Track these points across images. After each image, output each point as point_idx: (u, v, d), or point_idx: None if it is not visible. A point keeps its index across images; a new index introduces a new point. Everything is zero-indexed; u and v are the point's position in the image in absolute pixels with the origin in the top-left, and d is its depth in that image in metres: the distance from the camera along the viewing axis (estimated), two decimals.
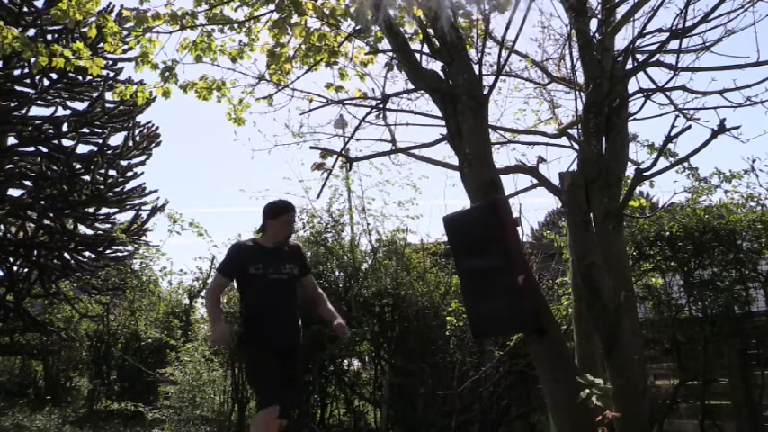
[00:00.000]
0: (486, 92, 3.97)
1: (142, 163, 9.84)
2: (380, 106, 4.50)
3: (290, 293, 3.96)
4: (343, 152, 4.74)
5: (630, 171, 4.08)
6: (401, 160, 5.12)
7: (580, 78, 4.20)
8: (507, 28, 4.01)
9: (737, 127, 3.72)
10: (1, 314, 9.06)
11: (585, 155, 3.87)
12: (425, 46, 4.19)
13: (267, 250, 3.90)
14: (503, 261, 3.49)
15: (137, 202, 9.78)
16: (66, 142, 9.21)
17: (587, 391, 2.61)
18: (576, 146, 4.32)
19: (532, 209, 31.17)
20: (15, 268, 9.19)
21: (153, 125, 9.94)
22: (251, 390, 4.26)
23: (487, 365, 5.82)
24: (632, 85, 4.14)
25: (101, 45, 7.29)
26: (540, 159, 4.17)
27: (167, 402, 7.15)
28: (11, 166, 9.30)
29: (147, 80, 10.70)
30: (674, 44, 3.92)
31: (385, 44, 4.46)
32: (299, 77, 4.68)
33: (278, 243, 3.92)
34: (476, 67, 3.95)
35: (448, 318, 5.81)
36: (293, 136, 4.94)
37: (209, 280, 10.26)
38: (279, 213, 3.92)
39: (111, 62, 9.17)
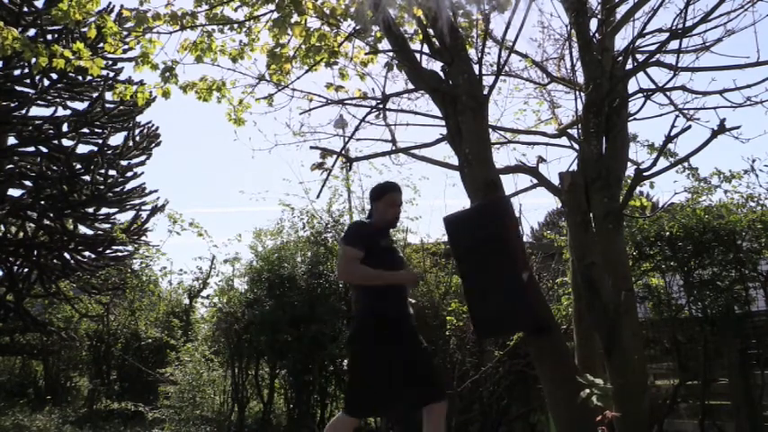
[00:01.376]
0: (486, 92, 3.98)
1: (142, 163, 9.85)
2: (380, 106, 4.50)
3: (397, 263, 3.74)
4: (343, 152, 4.74)
5: (630, 171, 4.08)
6: (401, 160, 5.13)
7: (580, 78, 4.20)
8: (507, 28, 4.02)
9: (737, 127, 3.73)
10: (1, 314, 9.07)
11: (585, 155, 3.87)
12: (425, 46, 4.19)
13: (382, 230, 3.72)
14: (504, 260, 3.48)
15: (137, 202, 9.78)
16: (66, 142, 9.21)
17: (587, 391, 2.61)
18: (576, 146, 4.32)
19: (532, 209, 31.18)
20: (15, 268, 9.19)
21: (153, 125, 9.95)
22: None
23: (487, 365, 5.81)
24: (632, 85, 4.15)
25: (101, 45, 7.29)
26: (540, 159, 4.17)
27: (167, 402, 7.16)
28: (11, 166, 9.30)
29: (147, 80, 10.72)
30: (674, 44, 3.93)
31: (385, 44, 4.46)
32: (298, 77, 4.69)
33: (388, 223, 3.74)
34: (476, 67, 3.96)
35: (448, 318, 5.81)
36: (293, 135, 4.94)
37: (209, 280, 10.29)
38: (384, 192, 3.73)
39: (111, 62, 9.17)
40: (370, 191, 3.85)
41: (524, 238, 4.70)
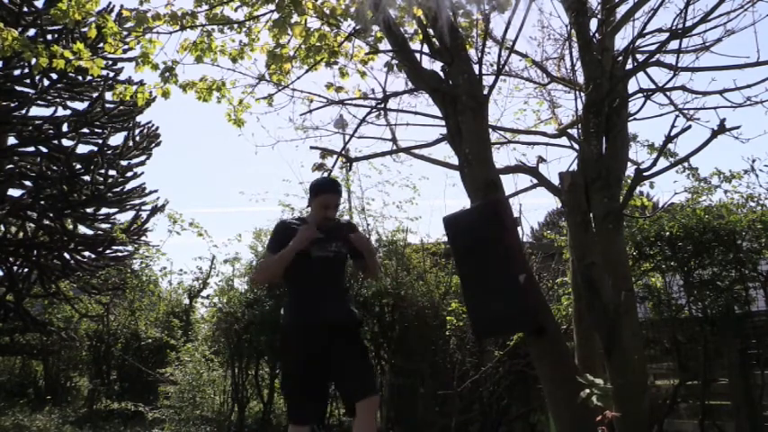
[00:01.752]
0: (486, 92, 3.97)
1: (142, 163, 9.85)
2: (381, 106, 4.50)
3: (337, 273, 3.56)
4: (343, 152, 4.74)
5: (630, 171, 4.08)
6: (401, 159, 5.13)
7: (580, 78, 4.20)
8: (507, 28, 4.02)
9: (737, 127, 3.72)
10: (1, 314, 9.06)
11: (585, 155, 3.87)
12: (425, 46, 4.19)
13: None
14: (503, 261, 3.49)
15: (137, 202, 9.78)
16: (66, 142, 9.21)
17: (587, 391, 2.61)
18: (576, 146, 4.32)
19: (532, 209, 31.13)
20: (15, 268, 9.19)
21: (153, 125, 9.95)
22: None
23: (487, 365, 5.82)
24: (632, 85, 4.14)
25: (101, 45, 7.29)
26: (540, 159, 4.17)
27: (167, 402, 7.16)
28: (11, 166, 9.30)
29: (147, 80, 10.73)
30: (674, 44, 3.92)
31: (385, 44, 4.46)
32: (299, 77, 4.69)
33: (317, 224, 3.48)
34: (476, 67, 3.95)
35: (448, 318, 5.81)
36: (295, 130, 4.94)
37: (209, 280, 10.30)
38: (315, 193, 3.54)
39: (111, 62, 9.17)
40: (310, 186, 3.62)
41: (524, 238, 4.71)
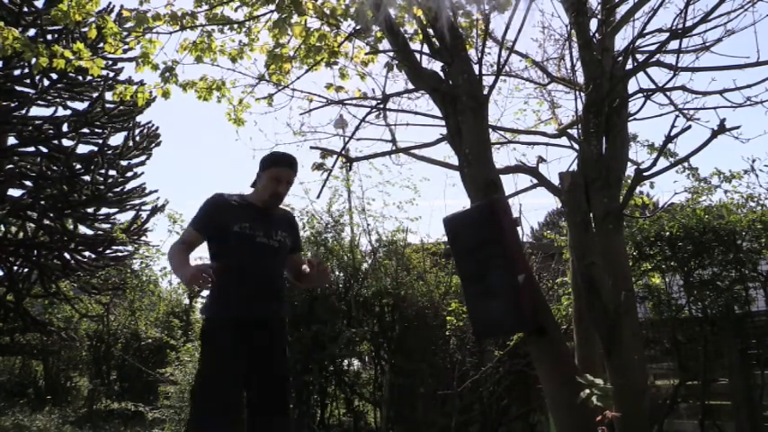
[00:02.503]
0: (486, 92, 3.97)
1: (142, 163, 9.84)
2: (380, 106, 4.50)
3: (278, 265, 3.19)
4: (343, 152, 4.74)
5: (630, 171, 4.08)
6: (402, 160, 5.13)
7: (580, 78, 4.20)
8: (507, 28, 4.01)
9: (737, 127, 3.72)
10: (1, 314, 9.06)
11: (585, 155, 3.87)
12: (425, 46, 4.19)
13: (254, 208, 3.16)
14: (503, 261, 3.49)
15: (137, 202, 9.77)
16: (66, 142, 9.20)
17: (587, 391, 2.61)
18: (576, 146, 4.32)
19: (532, 209, 31.14)
20: (15, 268, 9.19)
21: (153, 125, 9.94)
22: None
23: (487, 365, 5.82)
24: (632, 85, 4.15)
25: (101, 45, 7.29)
26: (540, 159, 4.17)
27: (167, 402, 7.15)
28: (11, 166, 9.30)
29: (148, 80, 10.73)
30: (674, 44, 3.92)
31: (385, 44, 4.46)
32: (299, 77, 4.69)
33: (264, 202, 3.16)
34: (476, 67, 3.95)
35: (448, 318, 5.81)
36: (294, 134, 4.94)
37: None
38: (268, 165, 3.15)
39: (111, 62, 9.17)
40: (261, 158, 3.23)
41: (524, 238, 4.70)
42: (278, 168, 3.15)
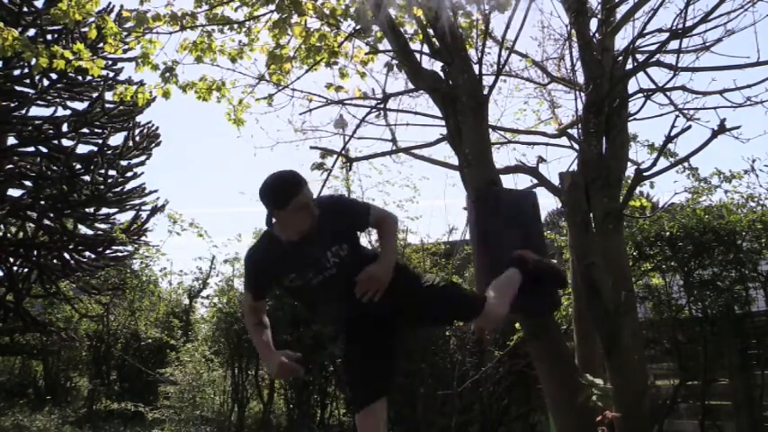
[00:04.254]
0: (486, 92, 3.97)
1: (142, 163, 9.85)
2: (381, 106, 4.50)
3: (351, 277, 2.63)
4: (343, 152, 4.74)
5: (630, 171, 4.08)
6: (402, 159, 5.13)
7: (580, 78, 4.20)
8: (507, 28, 4.01)
9: (737, 127, 3.73)
10: (1, 314, 9.06)
11: (585, 155, 3.87)
12: (425, 46, 4.19)
13: (293, 246, 2.62)
14: (540, 244, 3.51)
15: (137, 202, 9.78)
16: (66, 142, 9.21)
17: (587, 391, 2.61)
18: (576, 146, 4.32)
19: None
20: (15, 268, 9.19)
21: (153, 125, 9.95)
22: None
23: (487, 365, 5.82)
24: (632, 85, 4.15)
25: (101, 45, 7.29)
26: (540, 159, 4.17)
27: (167, 402, 7.17)
28: (11, 166, 9.30)
29: (148, 80, 10.72)
30: (674, 44, 3.92)
31: (385, 44, 4.46)
32: (299, 77, 4.69)
33: (299, 233, 2.60)
34: (476, 67, 3.95)
35: None
36: (294, 132, 4.94)
37: (209, 280, 10.30)
38: (284, 200, 2.53)
39: (111, 62, 9.17)
40: (265, 194, 2.59)
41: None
42: (296, 198, 2.55)
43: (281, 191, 2.55)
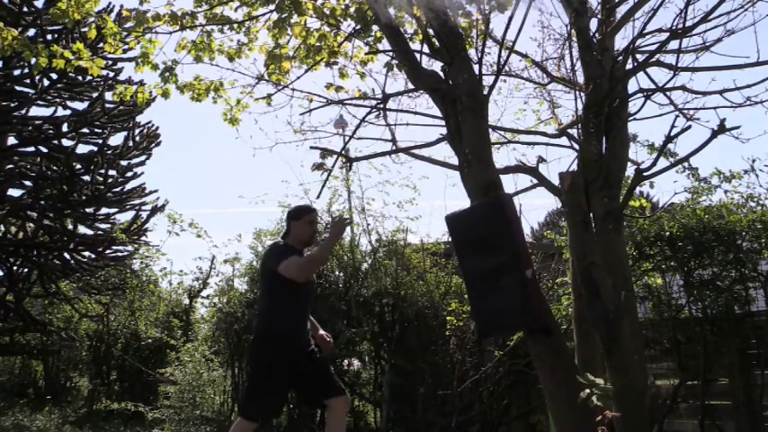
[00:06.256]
0: (486, 92, 3.97)
1: (142, 163, 9.84)
2: (380, 106, 4.50)
3: (312, 299, 4.06)
4: (343, 152, 4.74)
5: (630, 171, 4.08)
6: (401, 159, 5.12)
7: (580, 78, 4.20)
8: (507, 28, 4.01)
9: (737, 127, 3.72)
10: (1, 314, 9.06)
11: (585, 155, 3.87)
12: (425, 46, 4.19)
13: (299, 253, 3.89)
14: (509, 257, 3.46)
15: (137, 202, 9.77)
16: (66, 142, 9.20)
17: (587, 391, 2.61)
18: (576, 146, 4.32)
19: (532, 209, 31.10)
20: (15, 268, 9.18)
21: (153, 125, 9.93)
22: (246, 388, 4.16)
23: (487, 365, 5.82)
24: (632, 85, 4.15)
25: (101, 45, 7.29)
26: (540, 159, 4.17)
27: (167, 402, 7.16)
28: (11, 166, 9.29)
29: (147, 80, 10.72)
30: (674, 44, 3.93)
31: (385, 44, 4.46)
32: (298, 77, 4.69)
33: (304, 244, 3.94)
34: (476, 67, 3.95)
35: (448, 318, 5.82)
36: (294, 133, 4.93)
37: (209, 280, 10.30)
38: (303, 214, 3.98)
39: (111, 62, 9.16)
40: (289, 211, 4.11)
41: (525, 238, 4.69)
42: (310, 214, 3.99)
43: (300, 208, 4.05)
